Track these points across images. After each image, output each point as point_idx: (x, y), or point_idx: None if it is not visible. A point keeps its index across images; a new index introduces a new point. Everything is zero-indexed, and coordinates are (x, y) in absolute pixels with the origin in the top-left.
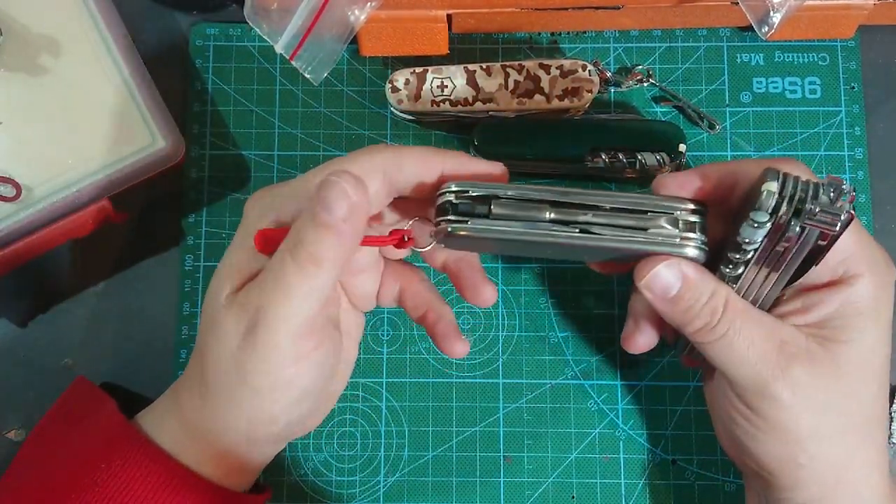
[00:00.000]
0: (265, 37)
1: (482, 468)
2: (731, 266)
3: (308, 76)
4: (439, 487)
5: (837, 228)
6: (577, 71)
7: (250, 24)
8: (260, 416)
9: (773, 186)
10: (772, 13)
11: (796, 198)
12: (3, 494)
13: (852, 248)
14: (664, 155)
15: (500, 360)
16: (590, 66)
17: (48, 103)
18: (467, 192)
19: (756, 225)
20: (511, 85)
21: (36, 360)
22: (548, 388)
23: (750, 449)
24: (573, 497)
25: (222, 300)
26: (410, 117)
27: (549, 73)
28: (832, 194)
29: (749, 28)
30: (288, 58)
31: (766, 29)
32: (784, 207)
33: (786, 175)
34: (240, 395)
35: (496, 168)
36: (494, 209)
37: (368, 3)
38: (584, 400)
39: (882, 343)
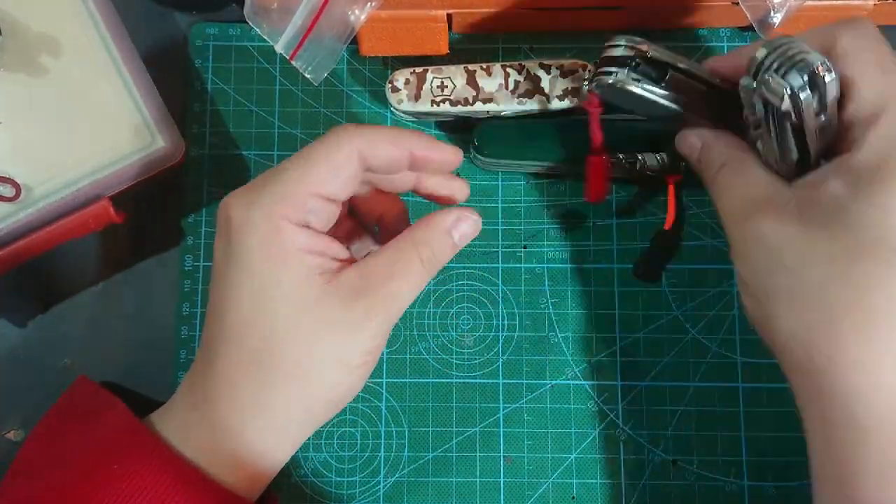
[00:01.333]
0: (265, 37)
1: (482, 468)
2: (752, 132)
3: (308, 76)
4: (439, 488)
5: (782, 105)
6: (577, 71)
7: (250, 24)
8: (345, 394)
9: (761, 53)
10: (772, 13)
11: (770, 68)
12: (8, 495)
13: (870, 113)
14: (664, 155)
15: (500, 360)
16: (590, 66)
17: (48, 103)
18: (646, 53)
19: (741, 90)
20: (511, 85)
21: (35, 360)
22: (548, 389)
23: (756, 320)
24: (573, 497)
25: (310, 293)
26: (410, 117)
27: (549, 73)
28: (803, 73)
29: (749, 28)
30: (288, 58)
31: (766, 29)
32: (758, 76)
33: (781, 45)
34: (329, 376)
35: (455, 154)
36: (670, 76)
37: (368, 3)
38: (585, 400)
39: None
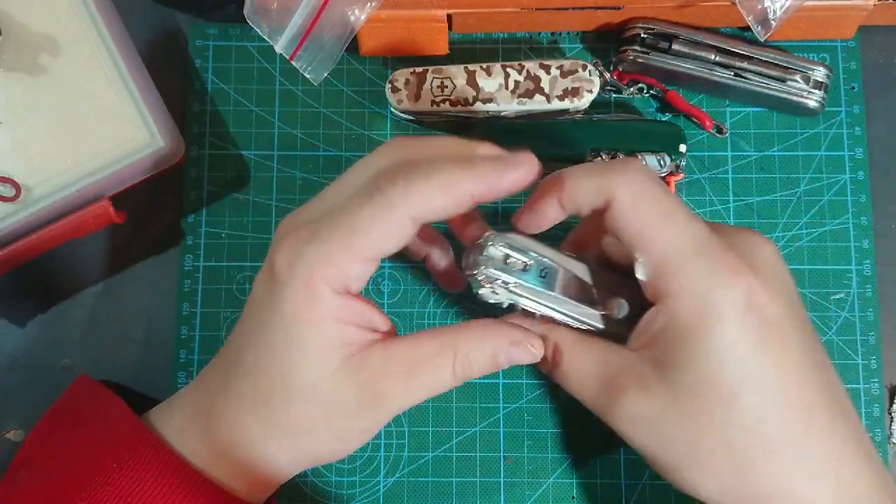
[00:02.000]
0: (265, 37)
1: (482, 468)
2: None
3: (308, 76)
4: (439, 488)
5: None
6: (577, 71)
7: (250, 24)
8: (337, 457)
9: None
10: (771, 13)
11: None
12: (9, 494)
13: (665, 263)
14: (665, 155)
15: None
16: (590, 67)
17: (48, 103)
18: (653, 29)
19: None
20: (511, 85)
21: (35, 360)
22: (548, 389)
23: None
24: (573, 497)
25: (332, 362)
26: (410, 117)
27: (549, 73)
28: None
29: (749, 28)
30: (288, 58)
31: (765, 29)
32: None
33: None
34: (329, 445)
35: (524, 170)
36: (674, 46)
37: (368, 3)
38: None
39: (729, 363)
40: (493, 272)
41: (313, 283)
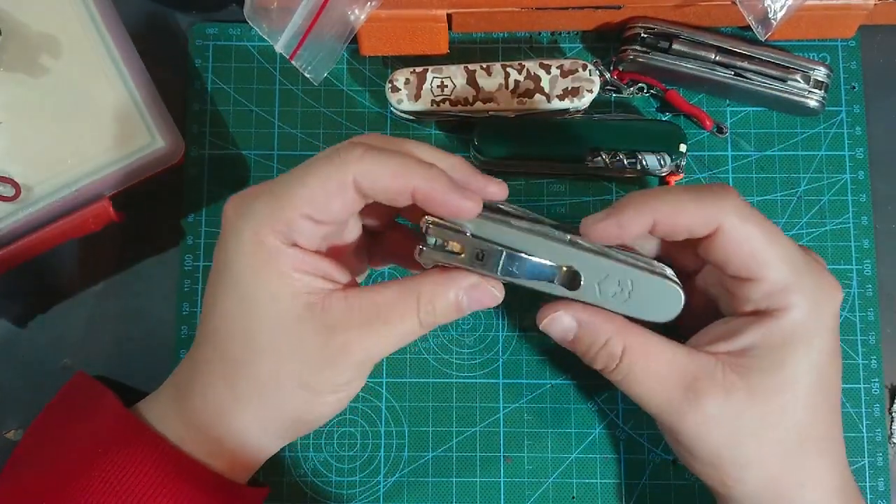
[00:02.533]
0: (265, 36)
1: (482, 468)
2: None
3: (308, 76)
4: (439, 488)
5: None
6: (577, 71)
7: (250, 23)
8: (313, 417)
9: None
10: (771, 13)
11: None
12: (7, 489)
13: (781, 281)
14: (665, 155)
15: (500, 360)
16: (590, 66)
17: (48, 103)
18: (653, 28)
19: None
20: (511, 85)
21: (35, 360)
22: (548, 388)
23: (687, 466)
24: (573, 497)
25: (287, 312)
26: (410, 117)
27: (549, 73)
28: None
29: (750, 28)
30: (288, 57)
31: (765, 29)
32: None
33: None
34: (300, 401)
35: (470, 204)
36: (674, 46)
37: (368, 3)
38: (585, 400)
39: (808, 369)
40: (433, 257)
41: (259, 233)
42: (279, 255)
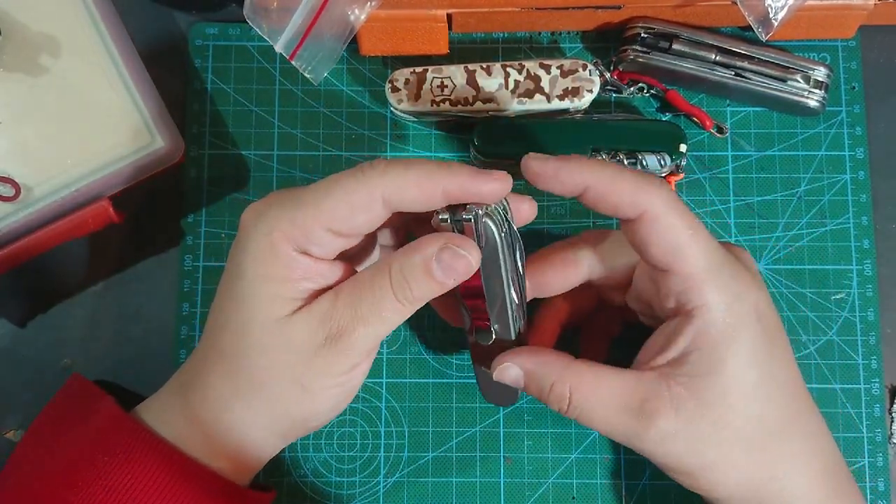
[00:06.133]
0: (265, 36)
1: (482, 469)
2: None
3: (308, 76)
4: (439, 488)
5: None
6: (577, 71)
7: (250, 23)
8: (308, 415)
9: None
10: (771, 13)
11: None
12: (4, 494)
13: (691, 279)
14: (665, 155)
15: None
16: (590, 66)
17: (48, 103)
18: (653, 28)
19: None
20: (511, 85)
21: (35, 360)
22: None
23: (670, 477)
24: (573, 497)
25: (283, 312)
26: (410, 117)
27: (549, 73)
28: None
29: (750, 28)
30: (288, 57)
31: (766, 29)
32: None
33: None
34: (294, 397)
35: (498, 183)
36: (674, 46)
37: (368, 3)
38: None
39: (747, 364)
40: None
41: (272, 238)
42: (289, 261)
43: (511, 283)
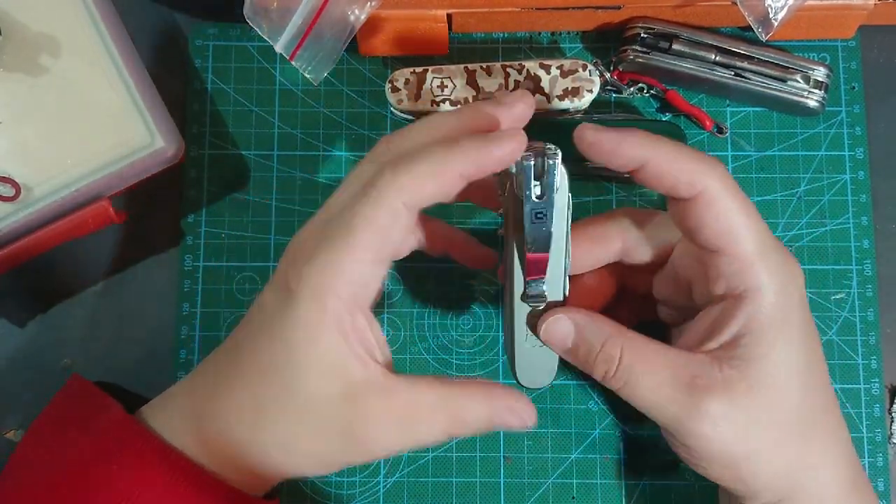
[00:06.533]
0: (265, 36)
1: (482, 469)
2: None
3: (308, 76)
4: (439, 488)
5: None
6: (577, 71)
7: (250, 23)
8: (320, 472)
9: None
10: (771, 13)
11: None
12: (5, 497)
13: (745, 261)
14: None
15: (500, 360)
16: (590, 66)
17: (48, 103)
18: (653, 28)
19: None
20: (511, 85)
21: (35, 360)
22: (548, 389)
23: (699, 471)
24: (573, 497)
25: (337, 390)
26: (410, 117)
27: (549, 73)
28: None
29: (750, 28)
30: (288, 57)
31: (766, 29)
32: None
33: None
34: (310, 458)
35: (509, 144)
36: (674, 46)
37: (368, 3)
38: (585, 400)
39: (795, 349)
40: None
41: (322, 296)
42: (338, 323)
43: (570, 236)
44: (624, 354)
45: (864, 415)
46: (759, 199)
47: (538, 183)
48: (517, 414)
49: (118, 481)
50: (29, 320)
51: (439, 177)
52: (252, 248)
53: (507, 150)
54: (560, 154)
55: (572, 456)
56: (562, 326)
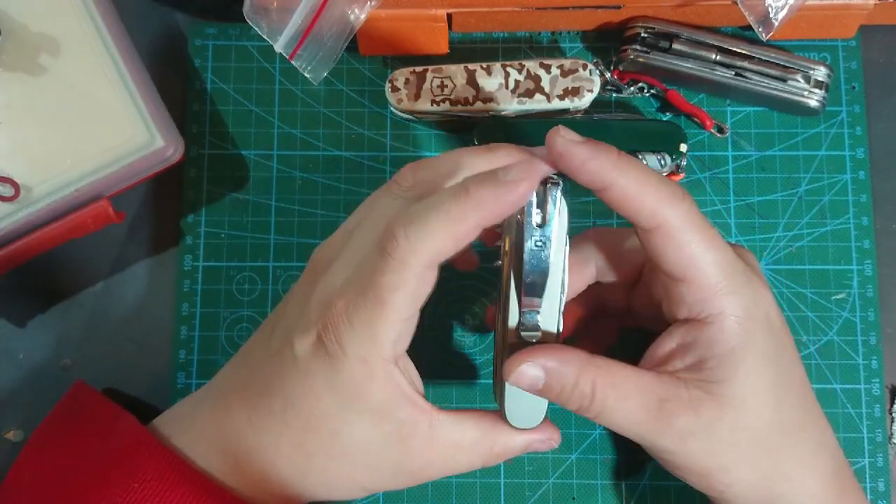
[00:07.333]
0: (265, 36)
1: (482, 469)
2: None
3: (307, 76)
4: (439, 488)
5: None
6: (577, 70)
7: (250, 23)
8: (357, 497)
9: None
10: (772, 13)
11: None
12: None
13: (707, 290)
14: (665, 155)
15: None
16: (590, 66)
17: (47, 103)
18: (653, 28)
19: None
20: (511, 84)
21: (34, 360)
22: None
23: (680, 479)
24: (573, 498)
25: (383, 433)
26: (410, 117)
27: (549, 73)
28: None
29: (750, 27)
30: (287, 57)
31: (766, 29)
32: None
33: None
34: (355, 490)
35: (523, 187)
36: (674, 45)
37: (368, 3)
38: None
39: (761, 370)
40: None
41: (368, 360)
42: (385, 377)
43: (567, 267)
44: (597, 389)
45: (864, 415)
46: (759, 199)
47: (539, 211)
48: (549, 444)
49: (128, 494)
50: (29, 320)
51: (454, 233)
52: (252, 247)
53: (523, 192)
54: (562, 184)
55: (572, 456)
56: (530, 373)
